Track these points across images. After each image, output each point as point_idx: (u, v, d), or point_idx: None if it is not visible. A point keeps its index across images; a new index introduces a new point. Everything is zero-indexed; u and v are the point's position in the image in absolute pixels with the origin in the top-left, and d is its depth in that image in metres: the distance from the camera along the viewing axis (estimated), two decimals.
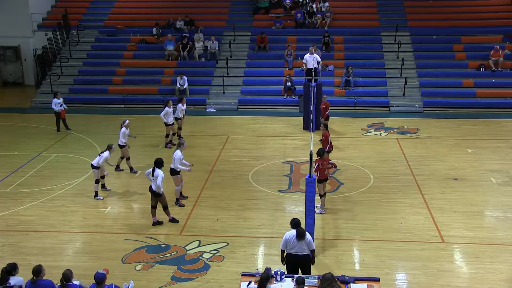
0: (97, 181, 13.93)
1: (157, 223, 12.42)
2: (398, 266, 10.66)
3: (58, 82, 24.83)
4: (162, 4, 29.19)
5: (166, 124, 17.51)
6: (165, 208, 12.38)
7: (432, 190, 14.21)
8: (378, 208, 13.18)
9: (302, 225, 9.40)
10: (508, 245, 11.39)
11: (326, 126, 15.11)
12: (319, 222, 12.19)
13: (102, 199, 13.86)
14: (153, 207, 12.38)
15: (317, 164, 12.31)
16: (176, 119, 17.86)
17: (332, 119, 20.46)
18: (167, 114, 17.27)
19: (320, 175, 12.45)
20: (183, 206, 13.35)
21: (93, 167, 13.85)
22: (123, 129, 15.37)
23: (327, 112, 18.22)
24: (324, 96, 18.70)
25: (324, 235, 11.83)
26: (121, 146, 15.45)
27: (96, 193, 13.92)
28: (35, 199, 13.91)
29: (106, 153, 13.77)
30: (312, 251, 9.16)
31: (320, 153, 12.52)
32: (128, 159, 15.65)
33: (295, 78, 23.26)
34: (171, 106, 17.36)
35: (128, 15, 28.91)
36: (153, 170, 12.10)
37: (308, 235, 9.11)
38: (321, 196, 12.76)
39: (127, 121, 15.63)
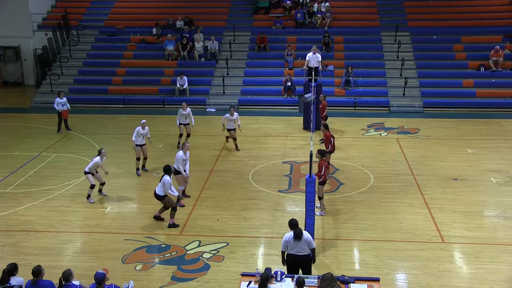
0: (92, 186, 13.64)
1: (159, 218, 12.47)
2: (398, 266, 10.67)
3: (58, 82, 24.84)
4: (162, 4, 29.20)
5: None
6: (173, 209, 12.36)
7: (432, 190, 14.21)
8: (378, 208, 13.19)
9: (302, 225, 9.40)
10: (508, 245, 11.39)
11: (326, 127, 15.02)
12: (319, 222, 12.19)
13: (93, 202, 13.59)
14: (164, 208, 12.46)
15: (323, 166, 12.35)
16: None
17: (332, 119, 20.47)
18: (180, 115, 17.46)
19: (324, 176, 12.49)
20: (183, 206, 13.34)
21: (85, 173, 13.56)
22: (138, 127, 15.35)
23: (324, 113, 18.08)
24: (322, 96, 18.45)
25: (324, 235, 11.83)
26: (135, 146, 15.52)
27: (89, 196, 13.69)
28: (35, 199, 13.91)
29: (97, 158, 13.44)
30: (313, 249, 9.16)
31: (323, 154, 12.54)
32: (137, 159, 15.61)
33: (295, 78, 23.26)
34: (186, 109, 17.42)
35: (128, 15, 28.92)
36: (161, 177, 12.24)
37: (307, 234, 9.10)
38: (320, 198, 12.75)
39: (143, 121, 15.59)
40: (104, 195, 13.99)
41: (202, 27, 26.36)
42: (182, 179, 13.44)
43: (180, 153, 13.27)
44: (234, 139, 17.43)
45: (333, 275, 7.84)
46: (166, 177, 12.11)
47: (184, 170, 13.38)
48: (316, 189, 11.17)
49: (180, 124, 17.54)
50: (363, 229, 12.11)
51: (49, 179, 15.25)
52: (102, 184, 13.95)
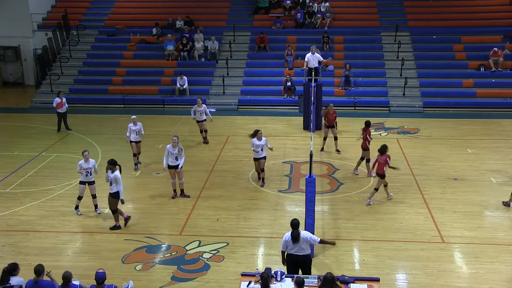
0: (79, 197, 12.96)
1: (117, 226, 12.28)
2: (398, 266, 10.67)
3: (58, 82, 24.84)
4: (162, 4, 29.20)
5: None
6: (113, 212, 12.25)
7: (432, 190, 14.21)
8: (378, 208, 13.19)
9: (302, 225, 9.38)
10: (508, 245, 11.40)
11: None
12: (319, 222, 12.19)
13: (81, 214, 12.95)
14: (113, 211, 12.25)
15: (376, 158, 13.27)
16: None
17: None
18: (195, 112, 17.87)
19: (378, 169, 13.18)
20: (173, 198, 13.70)
21: (80, 182, 12.95)
22: (130, 123, 15.44)
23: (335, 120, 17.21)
24: (331, 104, 17.45)
25: (324, 235, 11.82)
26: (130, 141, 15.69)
27: (76, 207, 13.07)
28: (35, 199, 13.90)
29: (80, 161, 12.72)
30: (320, 242, 9.23)
31: (382, 149, 13.18)
32: (134, 155, 15.72)
33: (295, 78, 23.26)
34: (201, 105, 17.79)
35: (128, 15, 28.92)
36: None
37: (306, 234, 9.07)
38: (376, 189, 13.33)
39: (133, 116, 15.74)
40: (99, 213, 13.01)
41: (202, 27, 26.35)
42: (171, 172, 13.66)
43: (168, 145, 13.52)
44: (258, 172, 14.87)
45: (334, 276, 7.83)
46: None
47: (178, 165, 13.46)
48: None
49: (197, 121, 17.98)
50: (363, 229, 12.12)
51: (49, 179, 15.24)
52: (94, 196, 13.00)
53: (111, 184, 11.84)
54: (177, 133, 17.83)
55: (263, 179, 14.68)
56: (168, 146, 13.49)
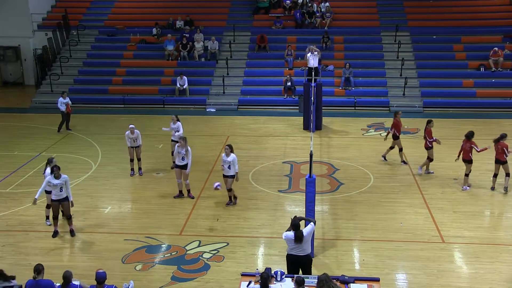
0: (48, 206, 12.36)
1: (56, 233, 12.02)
2: (398, 266, 10.67)
3: (58, 82, 24.83)
4: (162, 4, 29.18)
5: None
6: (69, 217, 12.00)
7: (432, 190, 14.21)
8: (378, 208, 13.19)
9: (302, 226, 9.37)
10: (508, 245, 11.40)
11: (428, 122, 15.49)
12: (319, 222, 12.15)
13: (49, 224, 12.36)
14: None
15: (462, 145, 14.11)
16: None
17: (332, 119, 20.52)
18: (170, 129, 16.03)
19: (464, 155, 14.12)
20: (175, 197, 13.75)
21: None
22: (127, 132, 15.04)
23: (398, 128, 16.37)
24: (400, 112, 16.74)
25: (324, 235, 11.84)
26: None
27: (47, 217, 12.54)
28: None
29: (47, 171, 12.12)
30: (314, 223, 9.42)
31: (469, 135, 14.11)
32: (131, 160, 15.51)
33: (295, 78, 23.26)
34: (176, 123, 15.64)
35: (128, 15, 28.92)
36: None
37: (305, 232, 9.06)
38: (466, 175, 14.12)
39: (131, 126, 15.04)
40: (48, 224, 12.41)
41: (202, 27, 26.35)
42: (176, 172, 13.69)
43: (177, 144, 13.71)
44: (230, 191, 13.45)
45: (328, 275, 7.81)
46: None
47: (184, 165, 13.50)
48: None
49: (172, 140, 15.87)
50: (363, 229, 12.12)
51: None
52: (49, 206, 12.26)
53: (61, 190, 11.58)
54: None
55: (234, 197, 13.49)
56: (176, 145, 13.65)
